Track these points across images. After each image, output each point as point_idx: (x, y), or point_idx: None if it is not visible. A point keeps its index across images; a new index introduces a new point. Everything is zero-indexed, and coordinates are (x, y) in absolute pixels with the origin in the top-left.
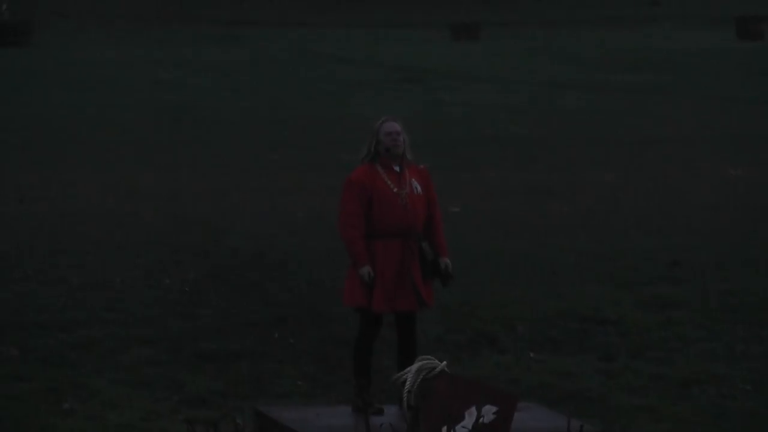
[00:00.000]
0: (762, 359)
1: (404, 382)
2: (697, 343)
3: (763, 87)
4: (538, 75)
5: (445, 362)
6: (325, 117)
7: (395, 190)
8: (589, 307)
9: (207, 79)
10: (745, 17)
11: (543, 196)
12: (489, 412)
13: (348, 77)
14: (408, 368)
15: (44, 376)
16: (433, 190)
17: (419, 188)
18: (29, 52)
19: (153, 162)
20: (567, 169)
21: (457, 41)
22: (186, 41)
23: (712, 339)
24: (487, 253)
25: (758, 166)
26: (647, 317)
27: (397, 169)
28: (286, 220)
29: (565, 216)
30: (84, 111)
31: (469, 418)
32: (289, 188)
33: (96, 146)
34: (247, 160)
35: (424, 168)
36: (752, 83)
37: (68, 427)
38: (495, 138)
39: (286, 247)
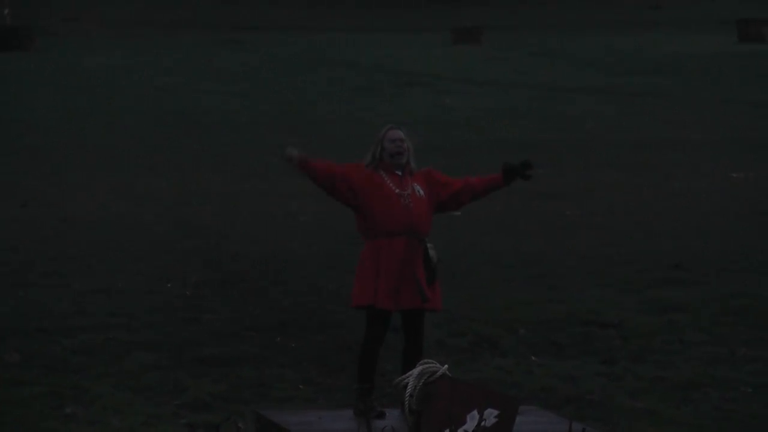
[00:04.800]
0: (764, 362)
1: (406, 386)
2: (699, 346)
3: (765, 90)
4: (539, 79)
5: (446, 366)
6: (329, 121)
7: (397, 191)
8: (590, 310)
9: (213, 83)
10: (746, 20)
11: (545, 198)
12: (490, 415)
13: (351, 81)
14: (409, 372)
15: (46, 381)
16: (444, 177)
17: (422, 191)
18: (32, 57)
19: (157, 167)
20: (569, 172)
21: (458, 45)
22: (192, 46)
23: (713, 342)
24: (489, 256)
25: (761, 169)
26: (649, 320)
27: (399, 173)
28: (290, 224)
29: (567, 219)
30: (87, 116)
31: (471, 421)
32: (292, 193)
33: (100, 151)
34: (250, 165)
35: (427, 168)
36: (754, 86)
37: None
38: (497, 141)
39: (288, 252)
